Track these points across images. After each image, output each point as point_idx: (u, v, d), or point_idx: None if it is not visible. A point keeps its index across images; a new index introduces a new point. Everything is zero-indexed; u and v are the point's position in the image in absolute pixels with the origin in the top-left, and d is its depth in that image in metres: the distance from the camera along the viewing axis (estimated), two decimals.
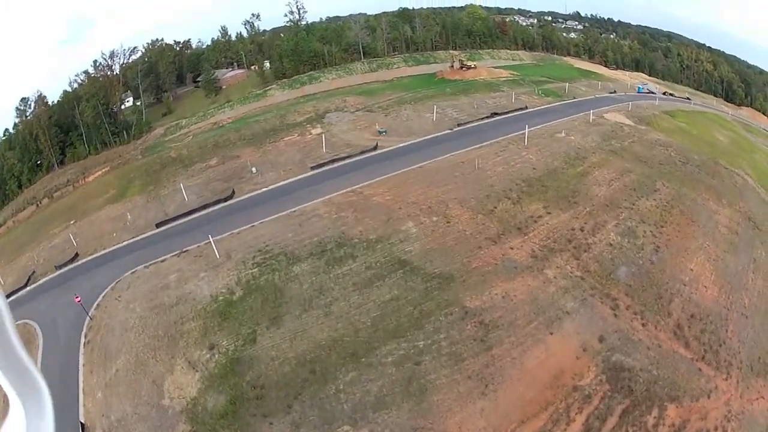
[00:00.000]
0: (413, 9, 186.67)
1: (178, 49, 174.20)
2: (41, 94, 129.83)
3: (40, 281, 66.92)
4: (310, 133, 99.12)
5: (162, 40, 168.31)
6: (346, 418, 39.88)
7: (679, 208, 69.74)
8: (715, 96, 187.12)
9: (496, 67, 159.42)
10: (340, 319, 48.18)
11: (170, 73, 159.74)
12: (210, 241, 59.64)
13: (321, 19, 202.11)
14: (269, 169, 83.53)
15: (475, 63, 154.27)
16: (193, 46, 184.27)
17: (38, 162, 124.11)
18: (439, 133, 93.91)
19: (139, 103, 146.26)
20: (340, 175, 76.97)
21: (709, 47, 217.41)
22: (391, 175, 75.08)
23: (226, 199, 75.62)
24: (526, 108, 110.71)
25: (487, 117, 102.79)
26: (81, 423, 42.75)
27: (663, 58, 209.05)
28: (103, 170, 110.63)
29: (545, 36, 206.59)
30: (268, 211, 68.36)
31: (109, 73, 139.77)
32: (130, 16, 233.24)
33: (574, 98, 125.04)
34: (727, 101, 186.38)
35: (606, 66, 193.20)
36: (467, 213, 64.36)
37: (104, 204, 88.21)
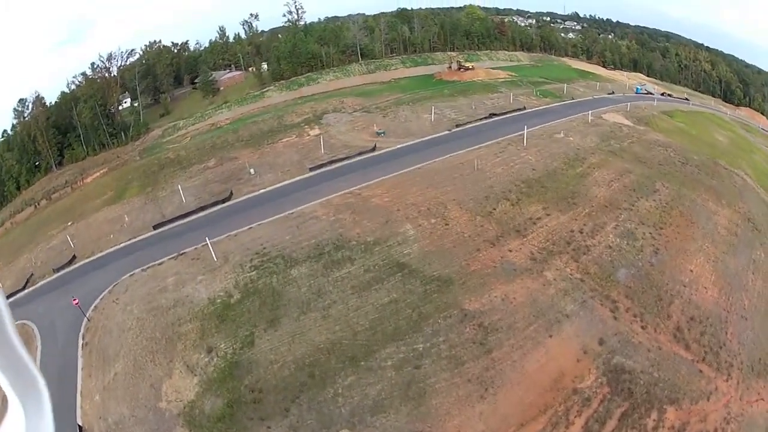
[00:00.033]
0: (412, 9, 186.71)
1: (175, 51, 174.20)
2: (39, 95, 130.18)
3: (39, 284, 66.72)
4: (308, 134, 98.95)
5: (160, 41, 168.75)
6: (344, 422, 39.69)
7: (679, 210, 69.52)
8: (714, 96, 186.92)
9: (494, 68, 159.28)
10: (338, 322, 47.94)
11: (168, 75, 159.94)
12: (207, 244, 59.34)
13: (319, 19, 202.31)
14: (267, 171, 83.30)
15: (472, 64, 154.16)
16: (191, 47, 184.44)
17: (36, 163, 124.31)
18: (438, 134, 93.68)
19: (136, 105, 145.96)
20: (338, 177, 76.70)
21: (707, 47, 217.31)
22: (390, 176, 74.82)
23: (223, 201, 75.38)
24: (525, 109, 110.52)
25: (486, 118, 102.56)
26: (78, 426, 42.57)
27: (661, 59, 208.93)
28: (101, 172, 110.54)
29: (543, 37, 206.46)
30: (266, 212, 68.10)
31: (106, 74, 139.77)
32: (130, 17, 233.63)
33: (573, 99, 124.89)
34: (726, 101, 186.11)
35: (604, 66, 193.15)
36: (466, 215, 64.12)
37: (102, 205, 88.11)
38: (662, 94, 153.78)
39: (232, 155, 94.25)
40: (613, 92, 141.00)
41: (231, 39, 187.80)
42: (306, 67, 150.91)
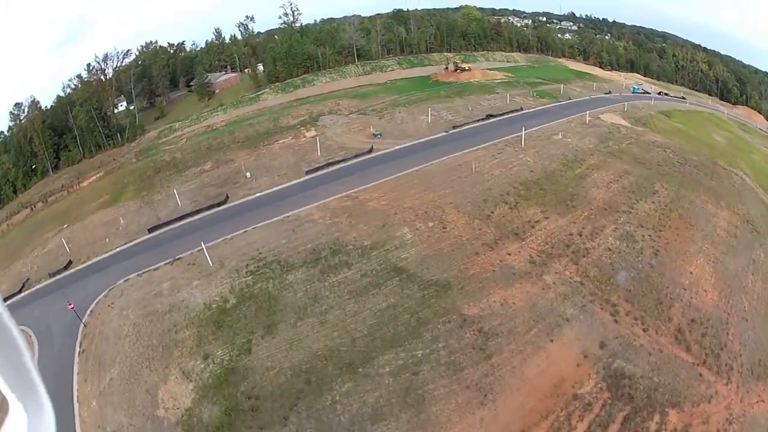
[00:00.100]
0: (408, 10, 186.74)
1: (171, 52, 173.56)
2: (34, 98, 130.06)
3: (35, 287, 66.35)
4: (304, 137, 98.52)
5: (156, 42, 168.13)
6: (343, 431, 39.11)
7: (678, 212, 69.13)
8: (710, 95, 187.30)
9: (490, 69, 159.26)
10: (335, 328, 47.36)
11: (163, 77, 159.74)
12: (203, 248, 58.73)
13: (315, 20, 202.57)
14: (263, 173, 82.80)
15: (469, 65, 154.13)
16: (188, 48, 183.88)
17: (33, 167, 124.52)
18: (434, 136, 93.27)
19: (132, 107, 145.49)
20: (335, 179, 76.17)
21: (705, 48, 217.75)
22: (387, 179, 74.23)
23: (219, 204, 74.82)
24: (522, 110, 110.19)
25: (483, 119, 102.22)
26: None
27: (658, 59, 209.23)
28: (98, 175, 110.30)
29: (540, 37, 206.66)
30: (262, 216, 67.53)
31: (102, 77, 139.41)
32: (130, 17, 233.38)
33: (570, 99, 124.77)
34: (722, 100, 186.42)
35: (601, 67, 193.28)
36: (464, 218, 63.60)
37: (98, 208, 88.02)
38: (659, 94, 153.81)
39: (228, 158, 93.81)
40: (610, 92, 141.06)
41: (227, 40, 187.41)
42: (302, 68, 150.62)
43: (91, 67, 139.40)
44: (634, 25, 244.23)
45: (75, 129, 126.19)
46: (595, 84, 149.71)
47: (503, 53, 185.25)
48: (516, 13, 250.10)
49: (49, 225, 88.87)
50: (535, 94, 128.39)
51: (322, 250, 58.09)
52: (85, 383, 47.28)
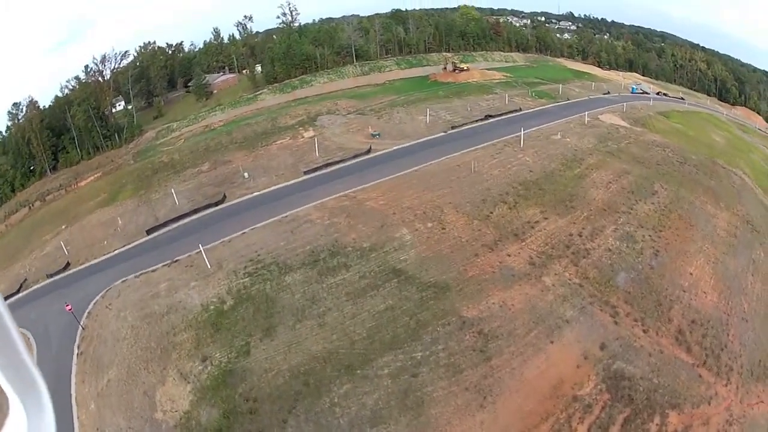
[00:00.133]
0: (406, 10, 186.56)
1: (170, 52, 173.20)
2: (32, 98, 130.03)
3: (32, 288, 66.09)
4: (302, 137, 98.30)
5: (154, 43, 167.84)
6: None
7: (678, 212, 68.94)
8: (709, 95, 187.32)
9: (489, 69, 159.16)
10: (334, 330, 47.06)
11: (161, 77, 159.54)
12: (201, 250, 58.39)
13: (314, 20, 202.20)
14: (261, 174, 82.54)
15: (467, 65, 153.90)
16: (186, 48, 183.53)
17: (31, 167, 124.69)
18: (433, 136, 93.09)
19: (130, 108, 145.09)
20: (333, 179, 75.96)
21: (703, 47, 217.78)
22: (385, 179, 74.03)
23: (217, 204, 74.52)
24: (520, 110, 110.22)
25: (481, 119, 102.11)
26: None
27: (657, 59, 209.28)
28: (96, 176, 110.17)
29: (539, 37, 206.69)
30: (260, 216, 67.19)
31: (100, 78, 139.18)
32: (130, 17, 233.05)
33: (568, 100, 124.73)
34: (721, 100, 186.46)
35: (599, 67, 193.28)
36: (463, 218, 63.32)
37: (95, 208, 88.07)
38: (658, 94, 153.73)
39: (225, 158, 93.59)
40: (608, 92, 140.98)
41: (225, 40, 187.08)
42: (300, 68, 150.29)
43: (88, 69, 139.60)
44: (633, 25, 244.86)
45: (73, 130, 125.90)
46: (593, 84, 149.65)
47: (502, 53, 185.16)
48: (514, 12, 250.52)
49: (48, 226, 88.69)
50: (533, 94, 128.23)
51: (320, 251, 57.75)
52: (83, 385, 47.03)
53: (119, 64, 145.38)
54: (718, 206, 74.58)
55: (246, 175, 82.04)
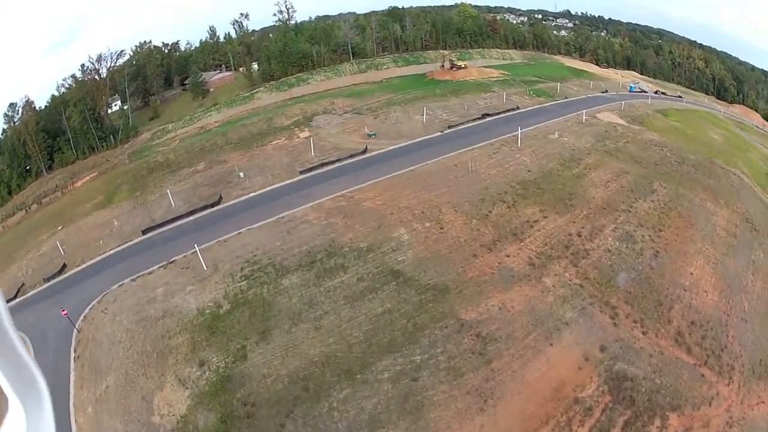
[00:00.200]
0: (403, 8, 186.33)
1: (166, 51, 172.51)
2: (28, 99, 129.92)
3: (30, 293, 65.44)
4: (298, 137, 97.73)
5: (150, 42, 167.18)
6: None
7: (677, 211, 68.64)
8: (707, 94, 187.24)
9: (486, 67, 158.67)
10: (331, 334, 46.53)
11: (158, 76, 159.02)
12: (197, 251, 57.81)
13: (310, 18, 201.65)
14: (257, 174, 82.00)
15: (465, 63, 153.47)
16: (183, 47, 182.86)
17: (27, 168, 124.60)
18: (430, 136, 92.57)
19: (126, 108, 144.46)
20: (329, 180, 75.36)
21: (701, 45, 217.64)
22: (382, 179, 73.42)
23: (213, 205, 73.95)
24: (518, 108, 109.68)
25: (479, 118, 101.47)
26: None
27: (654, 56, 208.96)
28: (91, 176, 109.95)
29: (536, 35, 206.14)
30: (257, 217, 66.62)
31: (96, 77, 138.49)
32: (130, 17, 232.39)
33: (566, 98, 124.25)
34: (719, 99, 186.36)
35: (597, 64, 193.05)
36: (461, 218, 62.82)
37: (92, 209, 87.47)
38: (656, 92, 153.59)
39: (221, 158, 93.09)
40: (606, 91, 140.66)
41: (222, 39, 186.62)
42: (297, 67, 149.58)
43: (85, 68, 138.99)
44: (630, 23, 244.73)
45: (68, 131, 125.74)
46: (591, 82, 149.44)
47: (499, 50, 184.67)
48: (511, 10, 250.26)
49: (44, 227, 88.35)
50: (531, 92, 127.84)
51: (317, 252, 57.18)
52: (81, 390, 46.67)
53: (115, 62, 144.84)
54: (718, 204, 74.34)
55: (241, 174, 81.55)
